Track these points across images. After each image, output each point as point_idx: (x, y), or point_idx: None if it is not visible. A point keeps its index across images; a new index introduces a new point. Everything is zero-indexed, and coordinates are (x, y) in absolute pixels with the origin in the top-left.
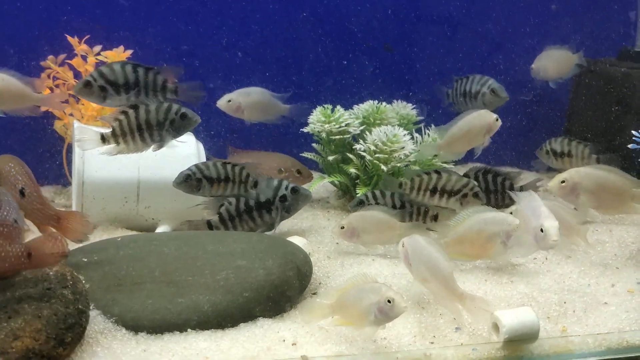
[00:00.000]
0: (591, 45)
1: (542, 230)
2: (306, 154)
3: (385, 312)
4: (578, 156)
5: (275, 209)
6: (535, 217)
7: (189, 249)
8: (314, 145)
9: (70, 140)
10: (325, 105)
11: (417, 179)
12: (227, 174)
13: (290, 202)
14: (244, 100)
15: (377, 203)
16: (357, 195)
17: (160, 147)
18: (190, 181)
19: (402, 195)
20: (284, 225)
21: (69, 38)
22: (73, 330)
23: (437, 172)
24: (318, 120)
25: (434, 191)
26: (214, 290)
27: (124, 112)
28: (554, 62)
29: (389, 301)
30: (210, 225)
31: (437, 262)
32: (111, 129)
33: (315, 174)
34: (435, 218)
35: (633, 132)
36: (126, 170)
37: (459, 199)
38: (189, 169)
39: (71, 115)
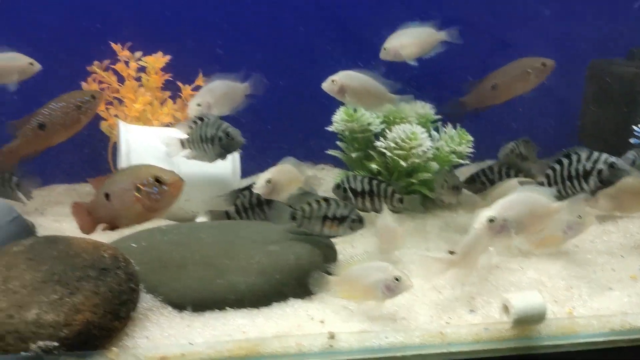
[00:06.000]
0: (602, 46)
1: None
2: (331, 152)
3: (392, 289)
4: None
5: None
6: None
7: (225, 236)
8: (338, 143)
9: (115, 139)
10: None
11: (445, 183)
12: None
13: (293, 197)
14: (212, 98)
15: (351, 188)
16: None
17: (214, 159)
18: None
19: (371, 179)
20: None
21: (113, 45)
22: (126, 306)
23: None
24: (342, 119)
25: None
26: (249, 273)
27: (194, 122)
28: (413, 40)
29: (396, 279)
30: (228, 215)
31: None
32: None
33: (340, 170)
34: (401, 201)
35: (633, 126)
36: (168, 167)
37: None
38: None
39: (115, 116)
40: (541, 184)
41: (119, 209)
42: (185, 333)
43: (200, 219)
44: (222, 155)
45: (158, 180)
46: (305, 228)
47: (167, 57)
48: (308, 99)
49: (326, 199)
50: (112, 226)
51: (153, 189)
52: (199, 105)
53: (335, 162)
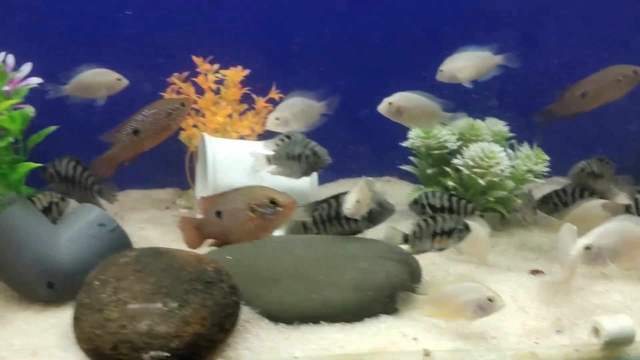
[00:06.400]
0: None
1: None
2: (405, 167)
3: (485, 309)
4: None
5: (361, 217)
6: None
7: (316, 251)
8: (411, 158)
9: (195, 149)
10: None
11: (529, 203)
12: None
13: (374, 213)
14: (290, 113)
15: (429, 204)
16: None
17: (299, 176)
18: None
19: (450, 196)
20: None
21: (194, 58)
22: (230, 319)
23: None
24: (418, 136)
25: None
26: (344, 289)
27: (281, 139)
28: (469, 63)
29: (489, 299)
30: (304, 227)
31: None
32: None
33: (407, 183)
34: (472, 211)
35: None
36: (251, 181)
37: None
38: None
39: (195, 126)
40: (627, 207)
41: (231, 227)
42: (284, 346)
43: (278, 231)
44: (308, 173)
45: (273, 201)
46: (418, 247)
47: (247, 71)
48: (372, 114)
49: (432, 216)
50: (222, 242)
51: (267, 209)
52: (277, 119)
53: (401, 174)
